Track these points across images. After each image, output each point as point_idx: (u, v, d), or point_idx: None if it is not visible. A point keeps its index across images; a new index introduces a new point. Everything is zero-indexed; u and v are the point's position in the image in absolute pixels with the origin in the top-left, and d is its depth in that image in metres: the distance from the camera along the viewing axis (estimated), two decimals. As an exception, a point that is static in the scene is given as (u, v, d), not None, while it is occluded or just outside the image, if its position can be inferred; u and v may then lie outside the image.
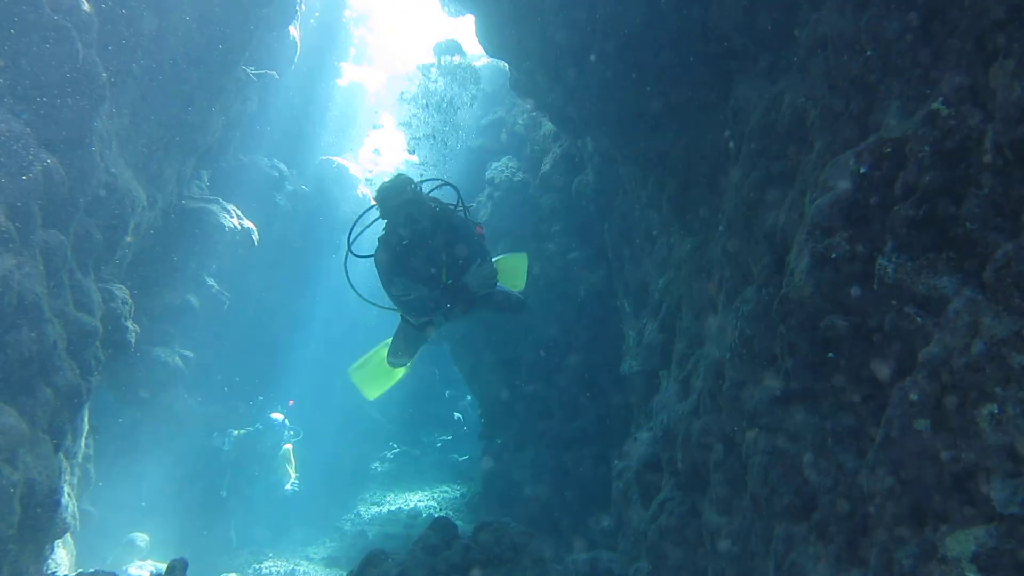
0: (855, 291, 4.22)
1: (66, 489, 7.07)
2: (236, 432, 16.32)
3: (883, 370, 4.04)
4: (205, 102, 10.26)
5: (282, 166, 17.07)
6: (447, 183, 6.93)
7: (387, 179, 6.22)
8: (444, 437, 25.67)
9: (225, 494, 16.10)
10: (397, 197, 6.05)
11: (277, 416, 17.30)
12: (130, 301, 8.41)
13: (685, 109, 7.94)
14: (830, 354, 4.45)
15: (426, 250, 6.25)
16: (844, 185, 4.32)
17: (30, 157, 5.95)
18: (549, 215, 14.97)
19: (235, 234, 12.52)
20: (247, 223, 13.02)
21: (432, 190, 6.81)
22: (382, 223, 6.46)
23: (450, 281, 6.28)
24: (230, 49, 9.98)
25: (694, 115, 7.88)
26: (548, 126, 14.42)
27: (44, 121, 6.25)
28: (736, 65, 7.11)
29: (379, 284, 6.50)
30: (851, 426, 4.52)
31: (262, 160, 16.52)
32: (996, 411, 3.20)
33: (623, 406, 11.68)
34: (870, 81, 4.67)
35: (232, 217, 12.65)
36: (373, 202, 6.28)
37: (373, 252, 6.46)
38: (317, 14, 18.48)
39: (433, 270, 6.31)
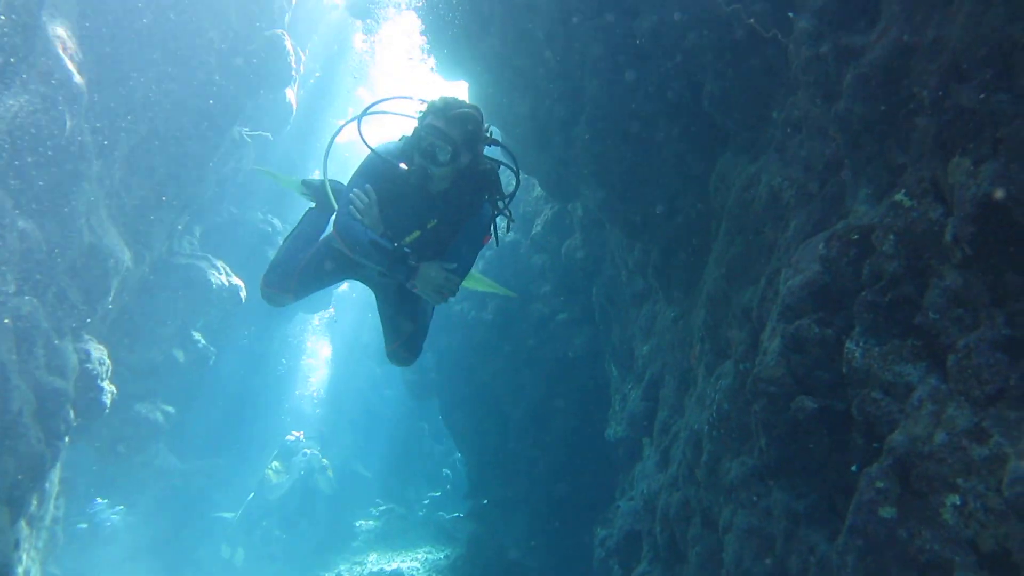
0: (824, 374, 4.26)
1: (25, 558, 6.90)
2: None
3: (850, 454, 4.05)
4: (199, 162, 10.40)
5: (275, 221, 17.22)
6: (515, 170, 4.61)
7: (460, 100, 4.33)
8: (432, 494, 25.35)
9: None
10: (457, 124, 4.17)
11: (295, 435, 17.81)
12: (108, 361, 8.37)
13: (670, 181, 8.07)
14: (801, 436, 4.46)
15: (419, 200, 4.38)
16: (814, 268, 4.39)
17: (5, 223, 5.94)
18: (539, 276, 15.10)
19: (222, 291, 12.56)
20: (235, 279, 13.08)
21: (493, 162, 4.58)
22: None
23: (405, 248, 4.27)
24: (225, 113, 10.18)
25: (678, 187, 8.00)
26: (540, 189, 14.61)
27: (24, 187, 6.30)
28: (718, 141, 7.25)
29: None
30: (822, 508, 4.51)
31: (256, 215, 16.67)
32: (959, 503, 3.21)
33: (608, 470, 11.60)
34: (842, 166, 4.79)
35: (220, 274, 12.71)
36: (421, 105, 4.35)
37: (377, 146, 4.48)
38: (317, 74, 18.85)
39: (404, 223, 4.41)
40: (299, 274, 4.75)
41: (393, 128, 4.62)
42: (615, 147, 8.22)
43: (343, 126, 4.69)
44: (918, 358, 3.65)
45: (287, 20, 12.73)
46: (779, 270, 5.30)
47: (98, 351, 8.14)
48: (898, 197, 3.78)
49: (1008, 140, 3.13)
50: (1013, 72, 3.23)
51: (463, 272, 4.46)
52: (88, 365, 7.86)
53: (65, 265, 7.08)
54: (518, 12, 8.37)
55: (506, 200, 4.57)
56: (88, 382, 7.82)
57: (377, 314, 5.10)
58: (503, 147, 4.59)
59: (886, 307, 3.80)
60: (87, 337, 8.18)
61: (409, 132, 4.39)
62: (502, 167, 4.58)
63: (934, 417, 3.41)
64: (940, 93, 3.48)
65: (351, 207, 4.33)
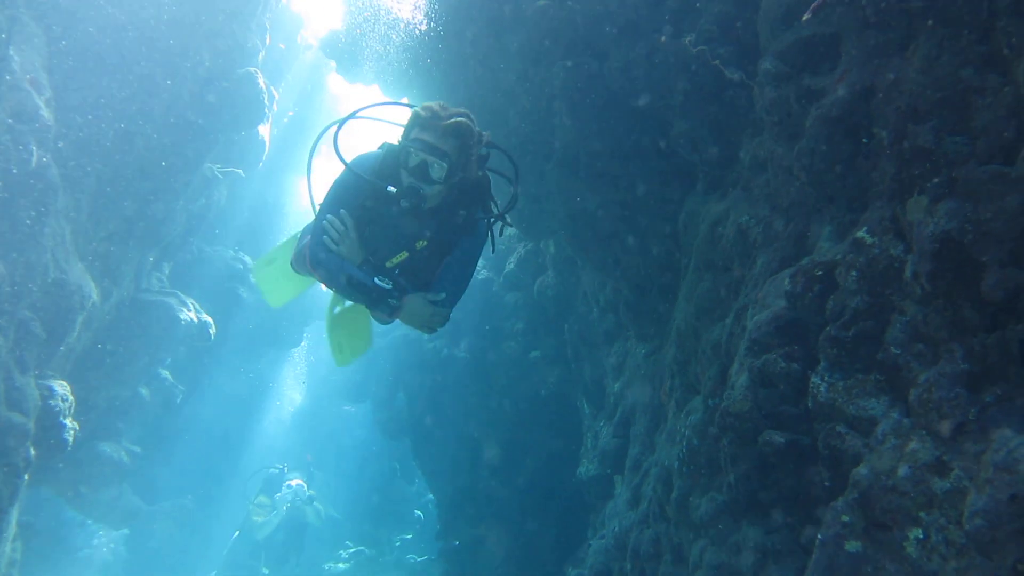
0: (791, 408, 4.30)
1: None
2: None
3: (817, 488, 4.07)
4: (169, 198, 10.36)
5: (247, 258, 17.12)
6: (515, 189, 4.08)
7: (446, 107, 3.80)
8: (404, 536, 24.93)
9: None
10: (451, 135, 3.67)
11: (278, 467, 17.38)
12: (71, 398, 8.21)
13: (640, 219, 8.16)
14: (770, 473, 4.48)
15: (407, 220, 3.93)
16: (780, 304, 4.45)
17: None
18: (512, 313, 15.10)
19: (191, 327, 12.41)
20: (204, 316, 12.93)
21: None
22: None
23: (387, 284, 3.87)
24: (196, 149, 10.17)
25: (648, 225, 8.10)
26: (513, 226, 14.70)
27: (-13, 222, 6.23)
28: (687, 179, 7.37)
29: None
30: (790, 542, 4.51)
31: (226, 252, 16.56)
32: (921, 536, 3.24)
33: (580, 509, 11.52)
34: (806, 204, 4.88)
35: (189, 311, 12.57)
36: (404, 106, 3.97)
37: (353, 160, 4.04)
38: (291, 112, 18.93)
39: (390, 244, 4.00)
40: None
41: (368, 135, 4.31)
42: (586, 185, 8.31)
43: (327, 128, 4.35)
44: (881, 392, 3.71)
45: (261, 58, 12.81)
46: (747, 306, 5.37)
47: (61, 387, 7.98)
48: (860, 234, 3.86)
49: (963, 179, 3.22)
50: (967, 114, 3.34)
51: (453, 302, 4.06)
52: (51, 401, 7.69)
53: (29, 299, 6.98)
54: (491, 53, 8.51)
55: (501, 207, 4.08)
56: (50, 419, 7.64)
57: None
58: (501, 150, 4.06)
59: (850, 342, 3.86)
60: (50, 373, 8.03)
61: (390, 139, 3.95)
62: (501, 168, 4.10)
63: (897, 451, 3.45)
64: (898, 134, 3.59)
65: (325, 237, 3.90)
